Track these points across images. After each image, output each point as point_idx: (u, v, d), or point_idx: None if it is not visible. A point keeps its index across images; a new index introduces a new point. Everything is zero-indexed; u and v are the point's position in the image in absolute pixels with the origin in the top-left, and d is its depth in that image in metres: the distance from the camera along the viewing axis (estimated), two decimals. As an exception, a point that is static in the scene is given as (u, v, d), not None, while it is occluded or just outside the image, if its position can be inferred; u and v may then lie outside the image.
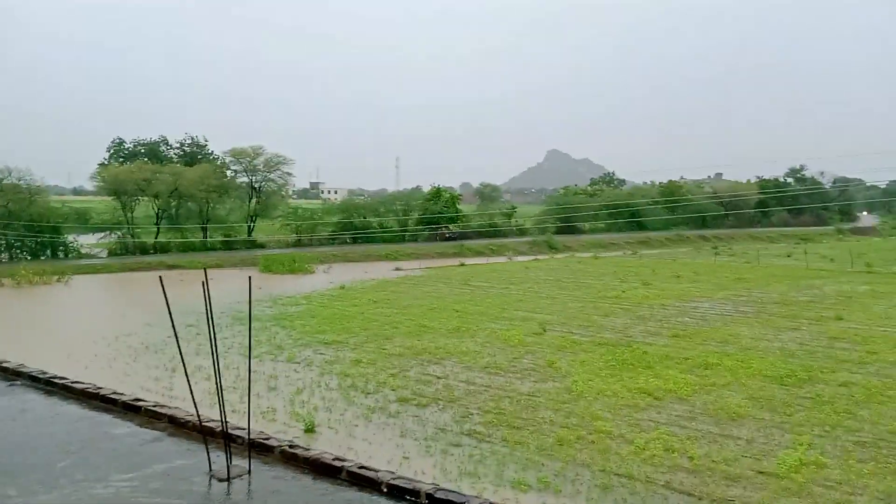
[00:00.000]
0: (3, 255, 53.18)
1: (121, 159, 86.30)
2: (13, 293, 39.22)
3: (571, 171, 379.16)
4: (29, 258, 53.10)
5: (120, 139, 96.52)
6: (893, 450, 14.66)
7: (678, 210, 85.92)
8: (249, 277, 8.71)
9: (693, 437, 15.71)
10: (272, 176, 71.59)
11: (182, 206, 66.62)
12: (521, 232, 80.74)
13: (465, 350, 23.94)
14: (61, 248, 56.41)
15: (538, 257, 62.63)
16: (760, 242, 79.93)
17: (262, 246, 65.42)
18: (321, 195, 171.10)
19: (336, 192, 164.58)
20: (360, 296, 37.05)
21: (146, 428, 8.31)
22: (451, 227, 75.90)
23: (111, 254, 58.80)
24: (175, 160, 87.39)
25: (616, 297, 35.68)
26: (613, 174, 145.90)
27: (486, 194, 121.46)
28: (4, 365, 10.17)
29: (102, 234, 62.97)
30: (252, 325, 28.52)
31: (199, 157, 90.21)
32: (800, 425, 16.22)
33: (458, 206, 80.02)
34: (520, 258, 62.66)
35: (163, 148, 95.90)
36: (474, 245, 69.55)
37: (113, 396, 8.87)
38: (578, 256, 63.17)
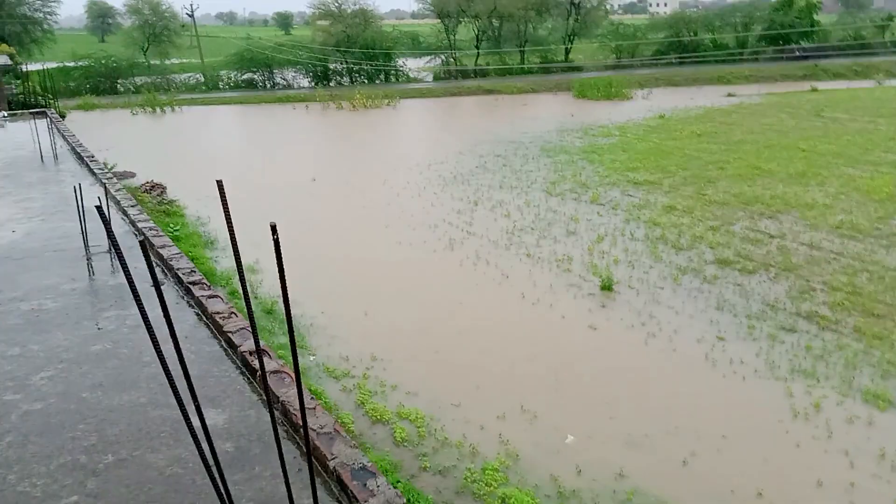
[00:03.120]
0: (345, 79, 58.53)
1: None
2: (349, 115, 42.88)
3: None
4: (366, 82, 57.68)
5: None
6: None
7: None
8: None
9: None
10: (592, -11, 66.00)
11: (501, 27, 65.47)
12: (900, 48, 64.11)
13: (811, 202, 19.32)
14: (393, 72, 60.02)
15: (921, 81, 49.35)
16: None
17: (578, 69, 62.04)
18: (648, 9, 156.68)
19: (666, 5, 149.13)
20: (682, 127, 32.65)
21: (240, 415, 6.00)
22: (803, 43, 63.32)
23: (435, 77, 61.09)
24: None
25: None
26: None
27: (853, 1, 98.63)
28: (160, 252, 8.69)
29: (428, 58, 65.38)
30: (560, 158, 26.93)
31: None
32: None
33: (814, 16, 65.82)
34: (894, 82, 50.04)
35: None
36: (832, 65, 57.30)
37: (236, 340, 6.67)
38: (983, 80, 48.31)
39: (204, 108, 47.14)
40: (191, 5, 65.44)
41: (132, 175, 25.22)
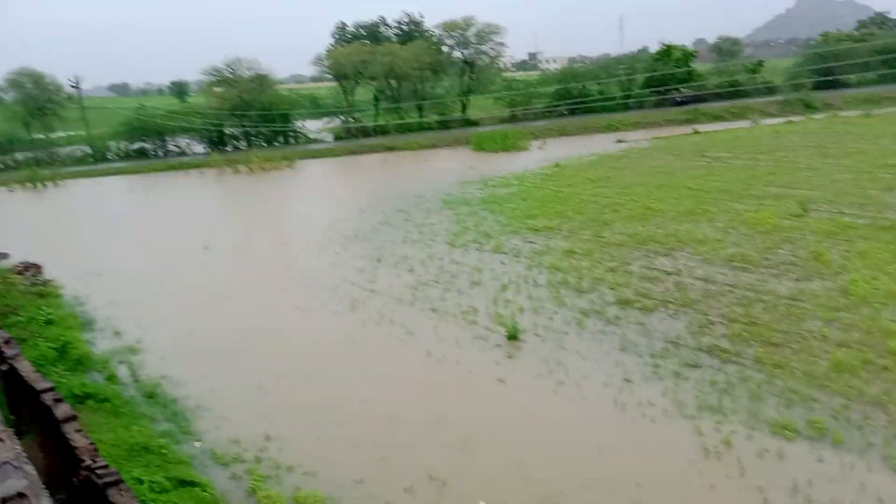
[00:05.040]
0: (242, 143, 57.47)
1: (343, 44, 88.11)
2: (246, 179, 41.82)
3: (830, 15, 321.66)
4: (264, 145, 56.82)
5: (343, 24, 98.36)
6: None
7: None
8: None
9: None
10: (484, 48, 68.28)
11: (399, 87, 66.49)
12: (770, 90, 69.28)
13: (703, 237, 19.91)
14: (291, 134, 59.47)
15: (791, 119, 53.20)
16: None
17: (475, 123, 63.54)
18: (539, 66, 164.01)
19: (555, 62, 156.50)
20: (577, 174, 33.57)
21: None
22: (682, 88, 67.56)
23: (336, 138, 60.96)
24: (394, 40, 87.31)
25: (902, 166, 28.25)
26: (887, 14, 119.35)
27: (725, 49, 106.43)
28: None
29: (327, 119, 65.32)
30: (461, 210, 26.88)
31: (416, 35, 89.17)
32: None
33: (691, 64, 70.53)
34: (768, 121, 53.79)
35: (382, 29, 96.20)
36: (711, 109, 61.24)
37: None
38: (843, 116, 52.54)
39: (90, 181, 44.79)
40: (74, 77, 62.82)
41: (5, 256, 23.23)
